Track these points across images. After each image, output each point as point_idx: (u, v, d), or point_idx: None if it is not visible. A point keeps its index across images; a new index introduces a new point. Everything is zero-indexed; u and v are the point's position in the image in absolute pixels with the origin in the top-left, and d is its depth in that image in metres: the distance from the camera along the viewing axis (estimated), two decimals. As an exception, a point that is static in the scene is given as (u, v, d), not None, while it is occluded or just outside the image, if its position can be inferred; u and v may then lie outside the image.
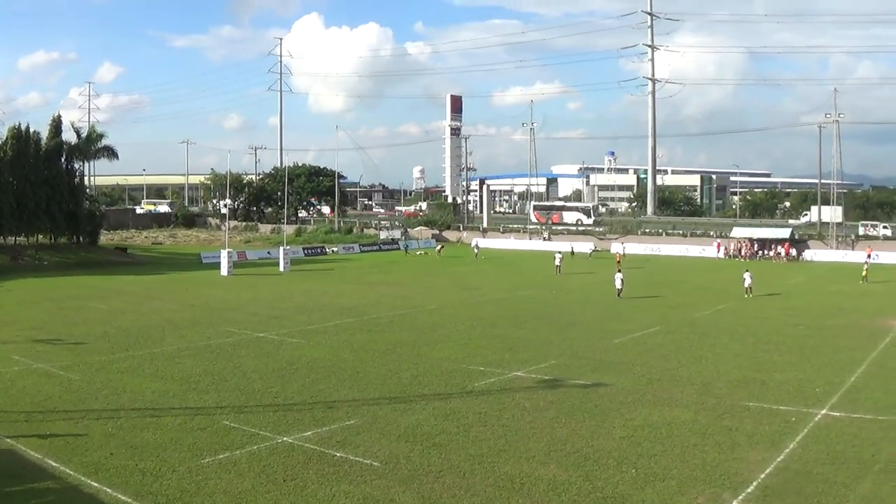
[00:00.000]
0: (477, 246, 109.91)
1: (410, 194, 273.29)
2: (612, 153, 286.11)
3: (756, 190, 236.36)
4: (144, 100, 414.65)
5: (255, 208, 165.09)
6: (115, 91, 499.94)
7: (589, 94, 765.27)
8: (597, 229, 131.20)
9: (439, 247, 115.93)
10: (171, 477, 22.51)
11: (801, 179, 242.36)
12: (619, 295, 61.19)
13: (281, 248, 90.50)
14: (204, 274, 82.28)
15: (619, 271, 63.57)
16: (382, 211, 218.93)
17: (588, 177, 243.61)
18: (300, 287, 70.57)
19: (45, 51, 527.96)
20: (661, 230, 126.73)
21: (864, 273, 76.75)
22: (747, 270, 66.55)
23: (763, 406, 30.04)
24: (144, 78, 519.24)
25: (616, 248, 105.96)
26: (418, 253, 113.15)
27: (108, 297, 61.89)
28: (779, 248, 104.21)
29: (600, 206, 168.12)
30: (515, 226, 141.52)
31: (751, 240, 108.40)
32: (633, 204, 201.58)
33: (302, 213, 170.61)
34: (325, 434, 26.33)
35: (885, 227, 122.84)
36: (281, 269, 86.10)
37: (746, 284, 63.46)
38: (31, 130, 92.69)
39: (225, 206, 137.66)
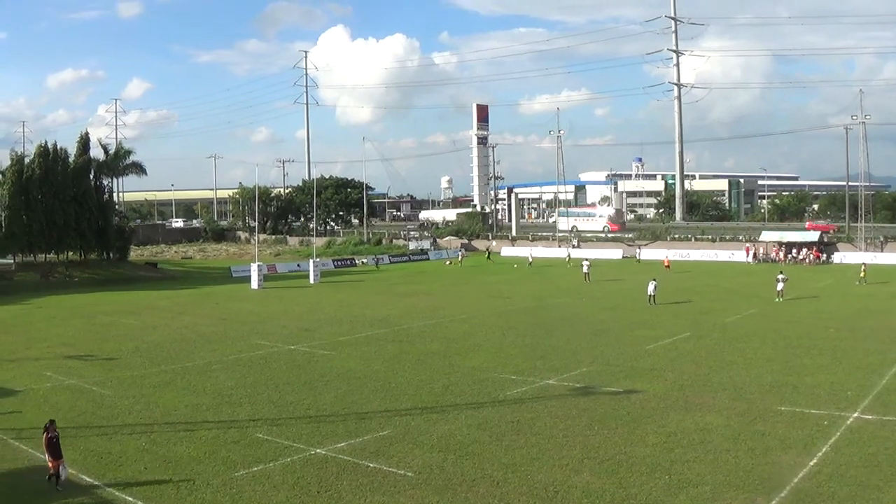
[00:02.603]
0: (531, 255, 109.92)
1: (439, 204, 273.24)
2: (640, 159, 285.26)
3: (784, 193, 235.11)
4: (172, 115, 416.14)
5: (283, 221, 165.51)
6: (144, 107, 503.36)
7: (615, 100, 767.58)
8: (626, 236, 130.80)
9: (461, 256, 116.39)
10: (205, 490, 22.68)
11: (829, 182, 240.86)
12: (652, 302, 60.95)
13: (311, 261, 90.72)
14: (234, 288, 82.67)
15: (654, 279, 63.19)
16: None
17: (616, 183, 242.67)
18: (330, 299, 70.79)
19: (73, 68, 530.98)
20: (689, 235, 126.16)
21: (862, 274, 77.23)
22: (781, 273, 66.31)
23: (795, 410, 29.97)
24: (172, 94, 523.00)
25: (663, 253, 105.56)
26: (447, 263, 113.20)
27: (139, 313, 62.29)
28: (805, 250, 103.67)
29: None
30: (544, 233, 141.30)
31: (780, 243, 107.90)
32: (661, 210, 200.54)
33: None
34: (359, 445, 26.46)
35: None
36: (311, 281, 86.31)
37: (779, 288, 63.15)
38: (59, 148, 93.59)
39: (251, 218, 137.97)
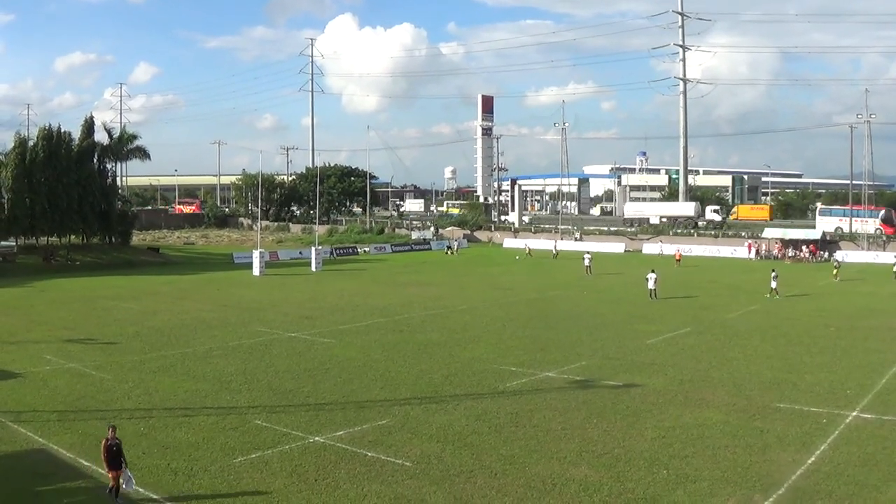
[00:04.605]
0: (556, 247, 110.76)
1: (442, 194, 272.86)
2: (644, 153, 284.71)
3: (788, 190, 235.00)
4: (178, 100, 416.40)
5: (286, 209, 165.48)
6: (152, 91, 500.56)
7: (620, 94, 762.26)
8: (628, 229, 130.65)
9: (456, 246, 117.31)
10: (203, 476, 22.70)
11: (833, 180, 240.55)
12: (653, 296, 60.99)
13: (313, 248, 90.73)
14: (236, 274, 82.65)
15: (653, 270, 63.10)
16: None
17: (620, 177, 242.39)
18: (332, 287, 70.77)
19: (81, 52, 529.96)
20: (692, 230, 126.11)
21: (834, 272, 78.72)
22: (773, 270, 66.34)
23: (794, 407, 29.96)
24: (179, 79, 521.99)
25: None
26: (447, 253, 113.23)
27: (141, 298, 62.30)
28: (804, 248, 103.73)
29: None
30: (547, 226, 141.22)
31: (782, 240, 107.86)
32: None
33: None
34: (357, 434, 26.47)
35: None
36: (313, 269, 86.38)
37: (773, 285, 63.25)
38: (63, 131, 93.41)
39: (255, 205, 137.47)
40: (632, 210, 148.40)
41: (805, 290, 67.62)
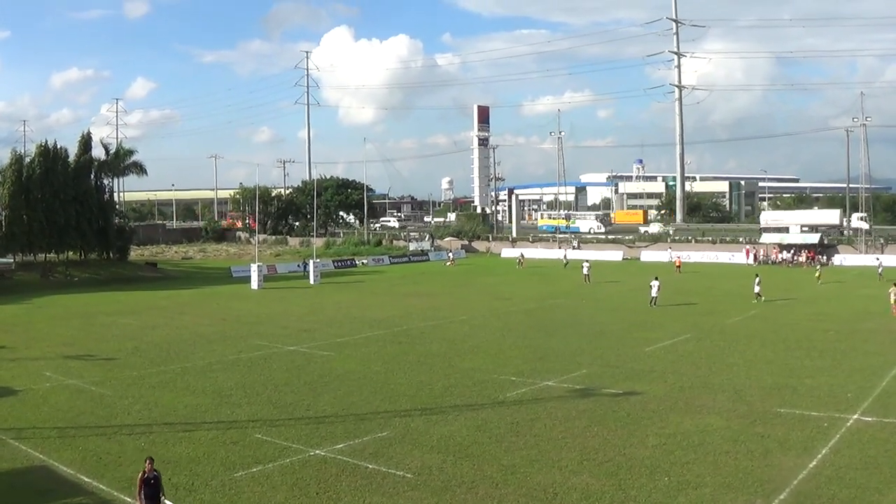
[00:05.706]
0: (566, 256, 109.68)
1: (439, 205, 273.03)
2: (641, 161, 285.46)
3: (785, 195, 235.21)
4: (175, 115, 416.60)
5: (284, 222, 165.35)
6: (149, 106, 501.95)
7: (617, 102, 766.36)
8: (626, 237, 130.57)
9: (452, 257, 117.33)
10: (204, 491, 22.65)
11: (830, 184, 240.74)
12: (653, 303, 60.92)
13: (311, 261, 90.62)
14: (234, 288, 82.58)
15: (657, 278, 62.98)
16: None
17: (616, 185, 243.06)
18: (330, 299, 70.73)
19: (78, 68, 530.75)
20: (690, 237, 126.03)
21: (817, 275, 79.91)
22: (757, 275, 66.47)
23: (795, 412, 29.95)
24: (176, 93, 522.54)
25: (675, 254, 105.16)
26: (447, 264, 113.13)
27: (139, 313, 62.23)
28: (803, 252, 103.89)
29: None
30: (544, 234, 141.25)
31: (780, 245, 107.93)
32: (662, 211, 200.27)
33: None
34: (358, 446, 26.42)
35: None
36: (311, 281, 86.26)
37: (756, 290, 63.50)
38: (60, 147, 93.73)
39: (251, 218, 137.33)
40: (769, 218, 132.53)
41: (802, 295, 67.66)
